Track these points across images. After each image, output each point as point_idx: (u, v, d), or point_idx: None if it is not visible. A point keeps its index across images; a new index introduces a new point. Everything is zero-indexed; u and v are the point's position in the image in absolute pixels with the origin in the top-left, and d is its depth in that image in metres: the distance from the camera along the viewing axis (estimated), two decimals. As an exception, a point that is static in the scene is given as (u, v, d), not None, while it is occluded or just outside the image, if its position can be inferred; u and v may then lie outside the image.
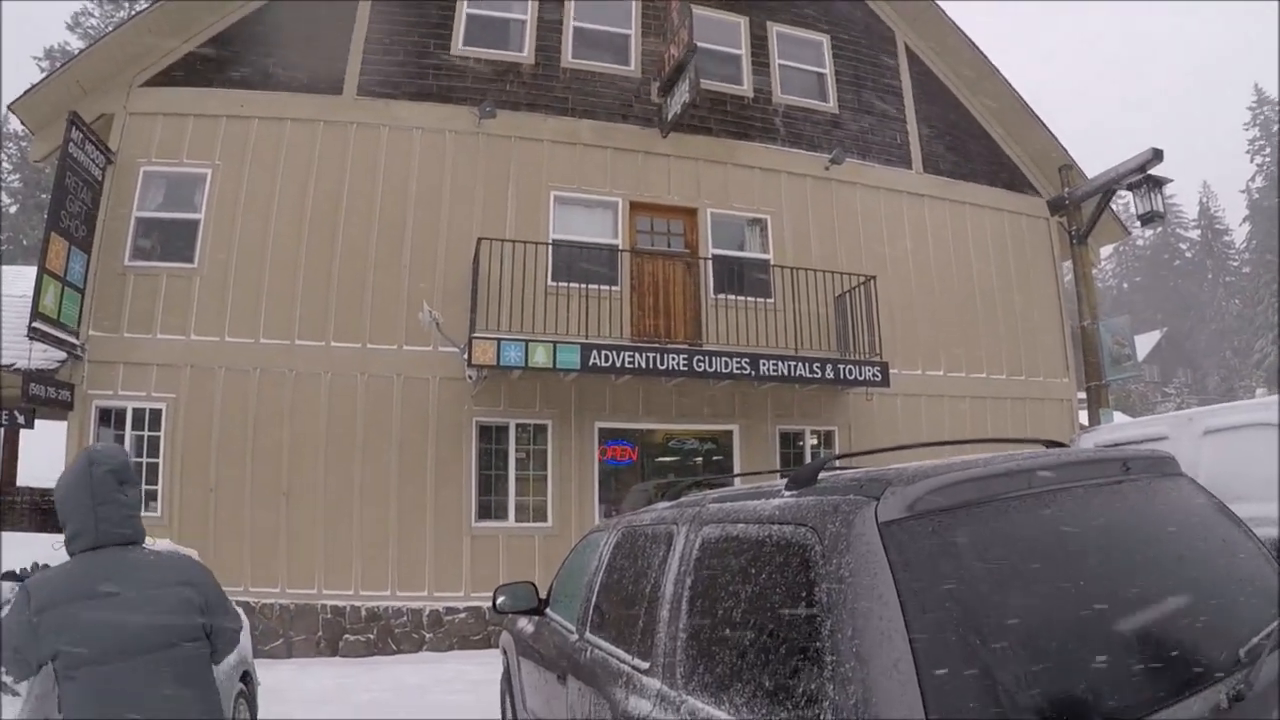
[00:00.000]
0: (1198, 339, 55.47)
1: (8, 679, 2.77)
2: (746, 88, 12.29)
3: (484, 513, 10.36)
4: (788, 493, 2.12)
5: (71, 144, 9.62)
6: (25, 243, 34.16)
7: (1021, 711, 1.49)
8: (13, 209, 44.50)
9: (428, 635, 9.99)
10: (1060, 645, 1.62)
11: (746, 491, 2.52)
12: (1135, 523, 2.08)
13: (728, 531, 2.33)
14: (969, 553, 1.70)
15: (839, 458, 2.33)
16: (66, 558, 2.70)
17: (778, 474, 3.18)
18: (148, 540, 2.97)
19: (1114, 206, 13.55)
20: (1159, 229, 55.08)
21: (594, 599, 3.58)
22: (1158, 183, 12.10)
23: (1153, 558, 2.01)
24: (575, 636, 3.68)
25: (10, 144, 41.84)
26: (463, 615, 10.06)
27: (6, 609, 2.59)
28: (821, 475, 2.16)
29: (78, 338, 9.96)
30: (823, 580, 1.73)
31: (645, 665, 2.63)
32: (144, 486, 9.97)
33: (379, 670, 8.92)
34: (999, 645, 1.55)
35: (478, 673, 8.56)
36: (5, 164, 45.28)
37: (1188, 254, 60.65)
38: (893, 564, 1.63)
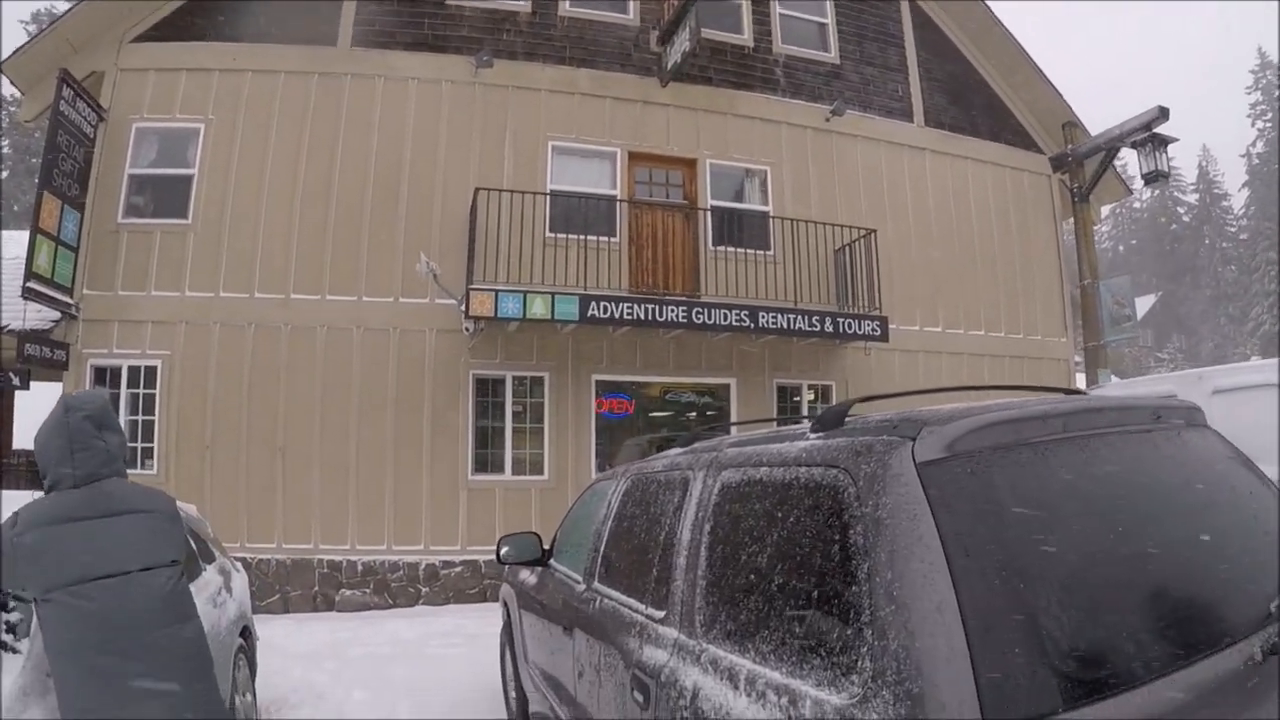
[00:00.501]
0: (1193, 304, 55.02)
1: (7, 637, 2.72)
2: (747, 37, 12.07)
3: (481, 466, 10.31)
4: (814, 435, 2.05)
5: (63, 102, 9.49)
6: (17, 208, 33.86)
7: (1063, 658, 1.44)
8: (3, 174, 44.15)
9: (424, 589, 9.98)
10: (1098, 592, 1.58)
11: (766, 435, 2.44)
12: (1167, 471, 2.04)
13: (750, 476, 2.26)
14: (1007, 495, 1.64)
15: (863, 399, 2.22)
16: None
17: (774, 422, 3.11)
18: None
19: (1115, 166, 13.41)
20: (1160, 190, 54.80)
21: (602, 548, 3.52)
22: (1163, 141, 12.00)
23: (1185, 507, 1.97)
24: (582, 587, 3.62)
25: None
26: (459, 569, 10.05)
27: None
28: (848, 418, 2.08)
29: (72, 297, 9.88)
30: (857, 523, 1.67)
31: (660, 615, 2.57)
32: (139, 444, 9.93)
33: (375, 624, 8.91)
34: (1040, 590, 1.51)
35: (474, 626, 8.58)
36: None
37: (1185, 218, 59.71)
38: (933, 505, 1.57)
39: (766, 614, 1.94)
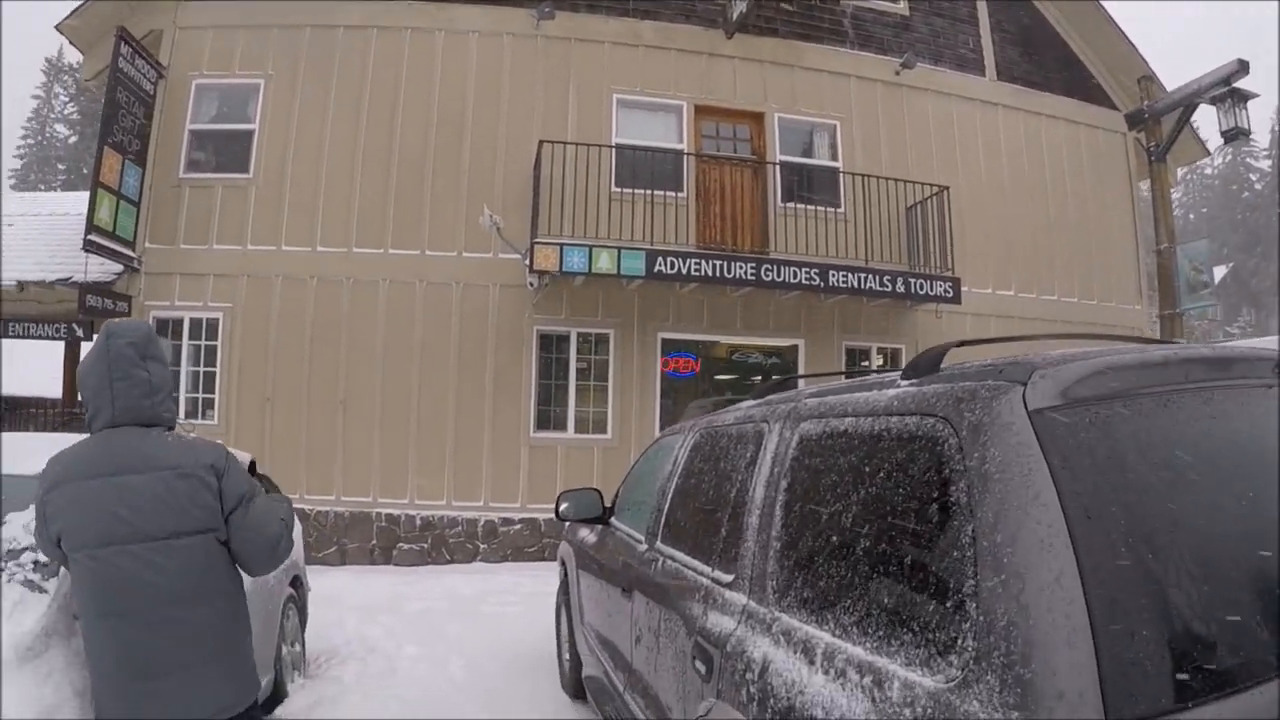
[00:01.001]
0: (1264, 277, 51.96)
1: (34, 576, 2.60)
2: (813, -14, 11.70)
3: (543, 423, 10.21)
4: (905, 382, 1.82)
5: (121, 59, 9.51)
6: (85, 171, 34.42)
7: (1196, 643, 1.22)
8: (72, 140, 44.90)
9: (482, 546, 9.91)
10: (1234, 568, 1.33)
11: (849, 384, 2.20)
12: None
13: (832, 427, 2.03)
14: (1130, 450, 1.40)
15: (959, 344, 1.95)
16: None
17: (842, 376, 2.89)
18: (181, 426, 2.72)
19: (1191, 125, 12.84)
20: (1232, 156, 52.64)
21: (667, 507, 3.31)
22: (1243, 97, 11.44)
23: None
24: (644, 547, 3.43)
25: (66, 76, 42.05)
26: (518, 526, 9.96)
27: None
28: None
29: (134, 250, 9.94)
30: (959, 478, 1.45)
31: (728, 579, 2.36)
32: (200, 395, 9.95)
33: (432, 580, 8.86)
34: (1170, 563, 1.28)
35: (531, 584, 8.51)
36: (62, 96, 45.64)
37: (1257, 185, 56.54)
38: (1049, 459, 1.35)
39: (849, 581, 1.73)
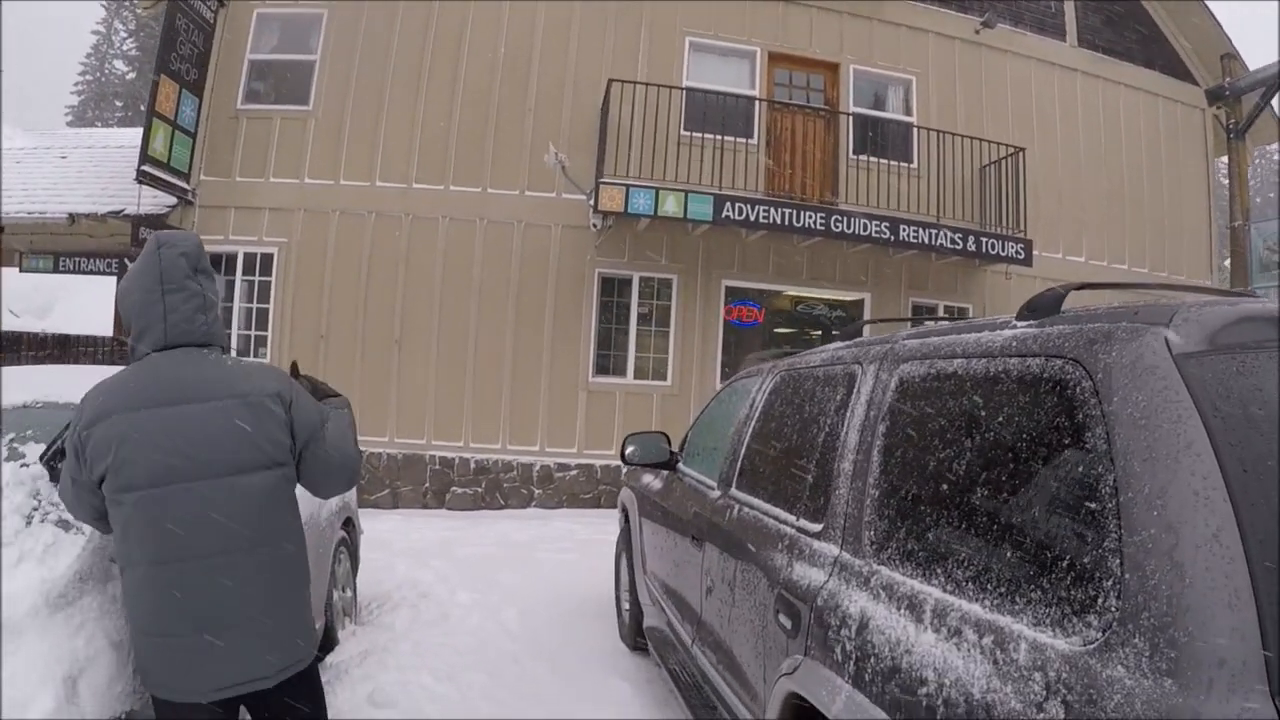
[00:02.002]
0: None
1: (69, 516, 2.30)
2: (893, -62, 11.41)
3: (602, 368, 10.03)
4: (1021, 323, 1.69)
5: (182, -15, 9.34)
6: (142, 108, 34.59)
7: None
8: (130, 76, 45.07)
9: (536, 491, 9.75)
10: None
11: (951, 326, 2.04)
12: None
13: (938, 369, 1.87)
14: (1277, 400, 1.24)
15: (1079, 287, 1.78)
16: None
17: (909, 323, 2.78)
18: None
19: (1272, 105, 12.52)
20: None
21: (743, 452, 3.13)
22: (1328, 81, 11.13)
23: None
24: (717, 494, 3.26)
25: (127, 12, 42.23)
26: (574, 473, 9.78)
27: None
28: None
29: (188, 182, 9.80)
30: (1095, 425, 1.33)
31: (816, 528, 2.22)
32: (254, 332, 9.81)
33: (485, 525, 8.71)
34: None
35: (585, 532, 8.35)
36: (121, 31, 45.84)
37: None
38: (1199, 406, 1.22)
39: (963, 533, 1.61)
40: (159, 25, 10.30)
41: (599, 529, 8.22)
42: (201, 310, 2.21)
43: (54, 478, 2.36)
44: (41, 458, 2.43)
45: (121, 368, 2.32)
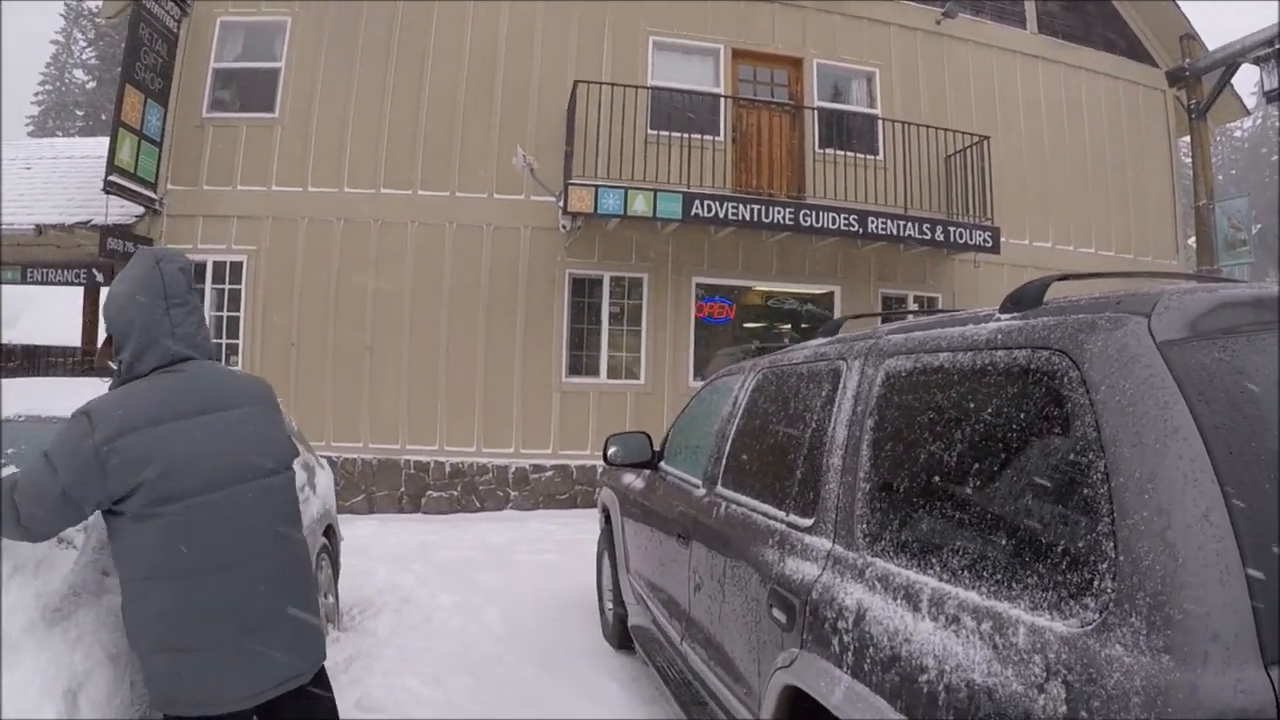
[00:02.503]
0: None
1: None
2: (852, -69, 11.45)
3: (575, 368, 10.03)
4: (1005, 316, 1.74)
5: (145, -7, 9.24)
6: (103, 117, 33.99)
7: None
8: (90, 85, 44.45)
9: (513, 493, 9.76)
10: None
11: (934, 320, 2.09)
12: None
13: (923, 363, 1.91)
14: (1264, 388, 1.32)
15: (1060, 277, 1.84)
16: None
17: (879, 319, 2.81)
18: None
19: (1231, 85, 12.65)
20: (1264, 119, 52.23)
21: (728, 450, 3.14)
22: (1286, 57, 11.23)
23: None
24: (702, 492, 3.27)
25: (86, 21, 41.64)
26: (550, 474, 9.80)
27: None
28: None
29: (155, 191, 9.74)
30: (1084, 413, 1.39)
31: (807, 523, 2.25)
32: (224, 340, 9.79)
33: (462, 528, 8.70)
34: None
35: (563, 533, 8.37)
36: (81, 40, 45.19)
37: None
38: (1184, 391, 1.28)
39: (956, 524, 1.65)
40: (119, 34, 10.18)
41: (577, 529, 8.27)
42: (201, 324, 2.27)
43: None
44: None
45: (96, 380, 2.36)
